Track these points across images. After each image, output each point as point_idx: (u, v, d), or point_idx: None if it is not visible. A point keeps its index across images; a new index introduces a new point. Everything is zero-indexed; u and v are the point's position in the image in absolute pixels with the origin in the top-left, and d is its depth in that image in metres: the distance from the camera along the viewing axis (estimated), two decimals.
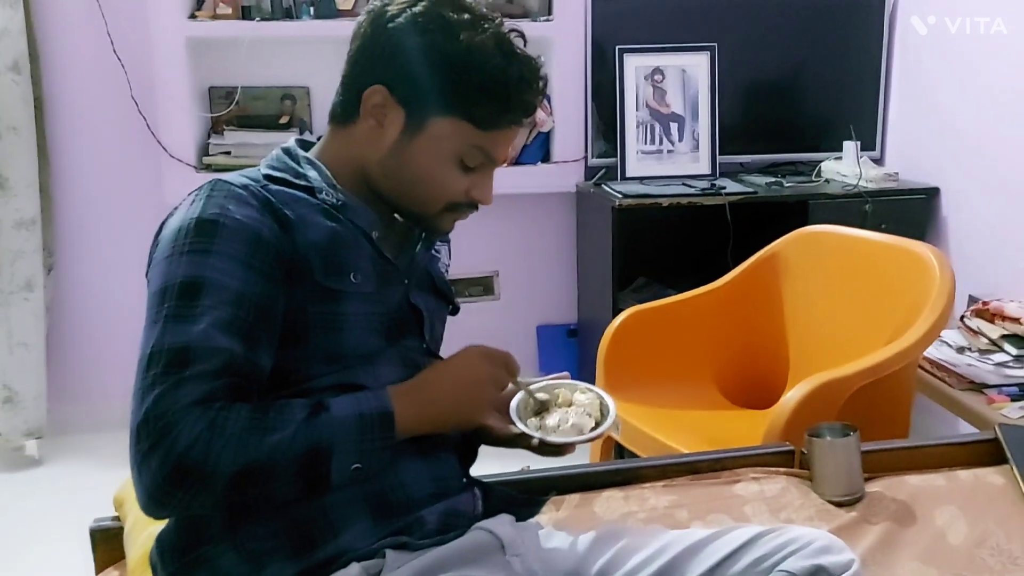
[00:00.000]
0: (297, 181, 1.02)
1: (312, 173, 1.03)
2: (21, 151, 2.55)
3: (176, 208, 0.99)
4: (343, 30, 1.06)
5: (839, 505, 1.34)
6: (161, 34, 2.59)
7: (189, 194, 0.99)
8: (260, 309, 0.93)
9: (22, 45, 2.53)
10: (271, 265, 0.94)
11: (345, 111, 1.05)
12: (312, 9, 2.66)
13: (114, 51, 2.64)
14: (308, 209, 0.99)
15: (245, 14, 2.65)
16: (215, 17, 2.63)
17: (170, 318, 0.89)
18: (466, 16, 1.00)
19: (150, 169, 2.67)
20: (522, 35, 1.01)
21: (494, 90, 1.00)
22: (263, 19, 2.64)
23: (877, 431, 1.61)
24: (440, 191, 1.03)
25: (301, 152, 1.06)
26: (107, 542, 1.15)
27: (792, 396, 1.63)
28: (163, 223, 0.99)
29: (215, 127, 2.77)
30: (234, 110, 2.76)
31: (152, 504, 0.87)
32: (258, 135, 2.71)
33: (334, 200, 1.02)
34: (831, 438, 1.38)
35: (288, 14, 2.66)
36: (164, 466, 0.84)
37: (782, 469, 1.42)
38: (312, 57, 2.74)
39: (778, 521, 1.28)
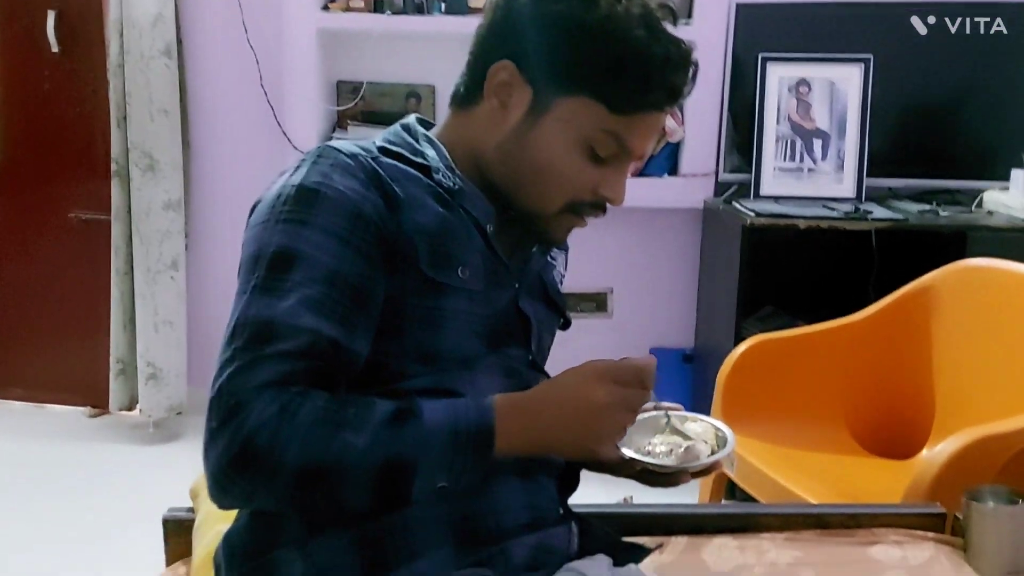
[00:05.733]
0: (413, 158, 0.93)
1: (431, 152, 0.94)
2: (169, 134, 2.65)
3: (282, 173, 0.91)
4: (473, 28, 0.96)
5: None
6: (294, 24, 2.60)
7: (299, 159, 0.92)
8: (355, 289, 0.84)
9: (172, 31, 2.62)
10: (370, 244, 0.85)
11: (468, 92, 0.95)
12: (443, 5, 2.61)
13: (248, 39, 2.68)
14: (420, 189, 0.90)
15: (377, 7, 2.63)
16: (347, 9, 2.62)
17: (258, 289, 0.83)
18: None
19: (275, 157, 2.68)
20: (673, 12, 0.89)
21: (634, 66, 0.88)
22: (394, 13, 2.62)
23: None
24: (562, 182, 0.91)
25: (421, 129, 0.97)
26: (179, 534, 1.09)
27: (943, 449, 1.43)
28: (267, 188, 0.92)
29: (340, 121, 2.77)
30: (360, 105, 2.75)
31: (215, 488, 0.80)
32: (382, 131, 2.69)
33: (450, 183, 0.92)
34: (995, 504, 1.19)
35: (419, 9, 2.63)
36: (229, 448, 0.77)
37: (930, 534, 1.23)
38: (440, 56, 2.68)
39: None
